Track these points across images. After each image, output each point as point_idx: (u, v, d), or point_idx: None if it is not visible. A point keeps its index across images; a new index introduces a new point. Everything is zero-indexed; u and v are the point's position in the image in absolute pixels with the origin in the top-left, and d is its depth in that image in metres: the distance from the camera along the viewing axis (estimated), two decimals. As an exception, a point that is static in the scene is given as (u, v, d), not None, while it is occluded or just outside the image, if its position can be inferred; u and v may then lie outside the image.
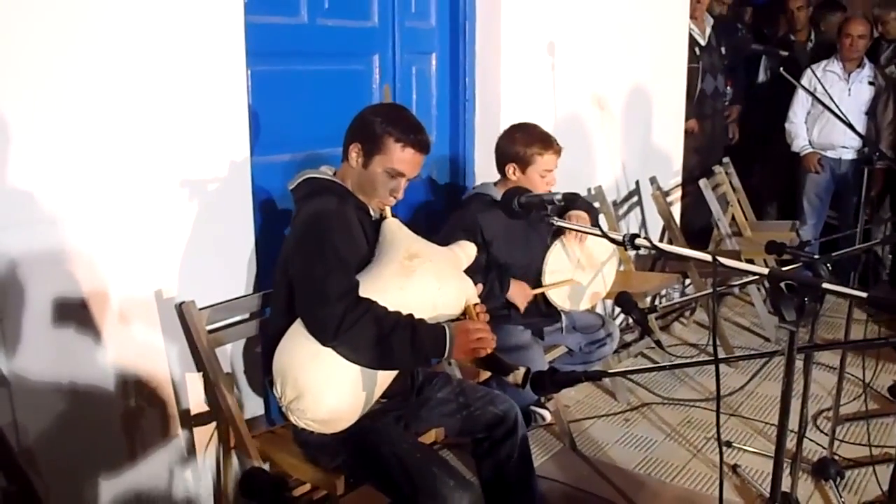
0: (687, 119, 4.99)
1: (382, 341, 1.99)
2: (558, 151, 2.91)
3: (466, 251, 2.39)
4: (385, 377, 2.13)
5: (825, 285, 1.25)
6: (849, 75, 4.83)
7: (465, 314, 2.21)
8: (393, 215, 2.28)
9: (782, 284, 1.27)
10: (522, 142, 2.88)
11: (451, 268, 2.26)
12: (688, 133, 5.02)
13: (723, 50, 5.24)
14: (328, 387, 2.02)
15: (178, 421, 2.41)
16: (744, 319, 4.74)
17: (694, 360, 4.17)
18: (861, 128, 4.71)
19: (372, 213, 2.25)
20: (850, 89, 4.82)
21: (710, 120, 5.28)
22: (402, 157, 2.17)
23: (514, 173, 2.89)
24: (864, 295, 1.24)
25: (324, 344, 2.00)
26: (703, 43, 5.07)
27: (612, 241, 1.64)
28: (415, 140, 2.18)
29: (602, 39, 4.02)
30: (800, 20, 5.55)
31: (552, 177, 2.91)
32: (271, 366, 2.08)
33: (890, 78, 4.96)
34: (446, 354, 2.04)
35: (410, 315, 2.06)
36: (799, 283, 1.26)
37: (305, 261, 2.06)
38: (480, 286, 2.32)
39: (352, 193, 2.22)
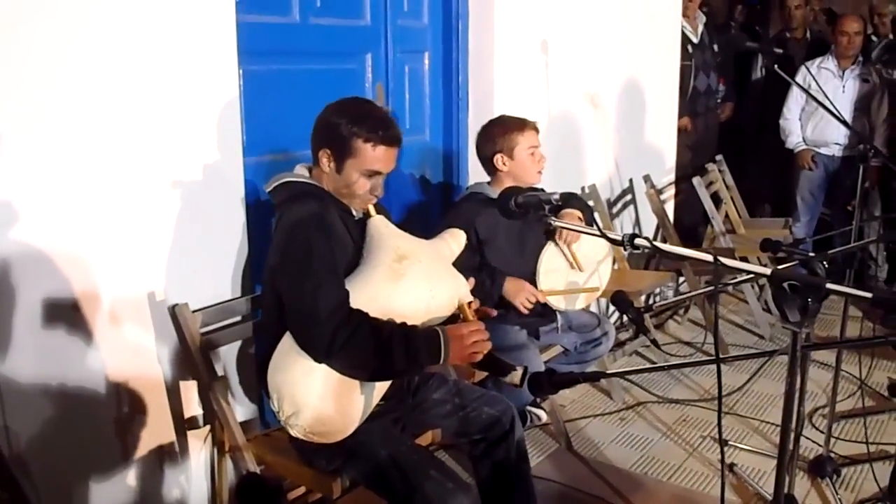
0: (680, 117, 4.99)
1: (376, 356, 1.96)
2: (535, 127, 2.93)
3: (457, 240, 2.36)
4: (383, 384, 2.11)
5: (829, 285, 1.24)
6: (843, 72, 4.84)
7: (459, 312, 2.18)
8: (378, 209, 2.23)
9: (785, 285, 1.26)
10: (499, 131, 2.90)
11: (441, 266, 2.23)
12: (681, 131, 5.03)
13: (715, 48, 5.25)
14: (326, 401, 1.99)
15: (171, 425, 2.38)
16: (738, 317, 4.74)
17: (689, 357, 4.17)
18: (855, 125, 4.72)
19: (354, 213, 2.20)
20: (844, 86, 4.83)
21: (703, 118, 5.29)
22: (375, 157, 2.10)
23: (503, 163, 2.88)
24: (868, 295, 1.23)
25: (317, 361, 1.97)
26: (695, 41, 5.08)
27: (612, 241, 1.62)
28: (384, 136, 2.10)
29: (595, 38, 4.02)
30: (796, 18, 5.54)
31: (540, 153, 2.91)
32: (266, 375, 2.05)
33: (883, 75, 4.96)
34: (442, 361, 2.02)
35: (403, 324, 2.04)
36: (802, 283, 1.25)
37: (292, 276, 2.01)
38: (473, 280, 2.29)
39: (331, 195, 2.16)
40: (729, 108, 5.63)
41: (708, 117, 5.36)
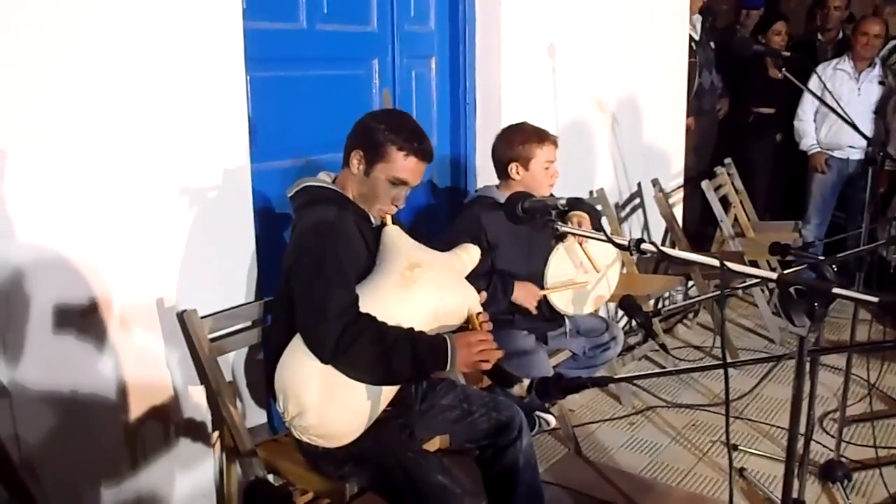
0: (686, 116, 4.98)
1: (382, 358, 1.97)
2: (555, 142, 2.92)
3: (471, 254, 2.37)
4: (389, 389, 2.11)
5: (836, 290, 1.23)
6: (859, 74, 4.80)
7: (467, 323, 2.18)
8: (394, 221, 2.26)
9: (792, 289, 1.25)
10: (519, 140, 2.89)
11: (452, 277, 2.24)
12: (686, 130, 5.01)
13: (712, 45, 5.24)
14: (331, 403, 2.00)
15: (180, 430, 2.39)
16: (748, 321, 4.72)
17: (698, 362, 4.15)
18: (870, 127, 4.68)
19: (372, 220, 2.23)
20: (859, 89, 4.79)
21: (707, 116, 5.28)
22: (405, 166, 2.14)
23: (517, 172, 2.88)
24: (874, 299, 1.22)
25: (323, 362, 1.98)
26: (696, 38, 5.07)
27: (618, 246, 1.62)
28: (418, 149, 2.15)
29: (602, 42, 4.01)
30: (833, 19, 5.49)
31: (554, 168, 2.91)
32: (273, 379, 2.06)
33: None
34: (448, 367, 2.02)
35: (411, 329, 2.04)
36: (809, 287, 1.24)
37: (305, 276, 2.04)
38: (484, 294, 2.30)
39: (351, 201, 2.20)
40: (725, 104, 5.59)
41: (711, 115, 5.35)
